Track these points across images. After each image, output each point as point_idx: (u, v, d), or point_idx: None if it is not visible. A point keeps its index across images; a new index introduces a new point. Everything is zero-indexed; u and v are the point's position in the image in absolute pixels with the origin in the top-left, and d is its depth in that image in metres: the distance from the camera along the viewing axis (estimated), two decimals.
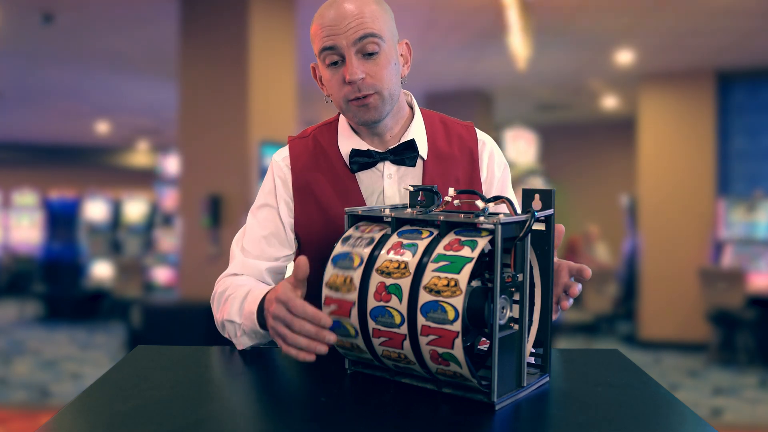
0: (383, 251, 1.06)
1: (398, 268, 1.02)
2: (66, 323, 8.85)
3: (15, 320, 9.21)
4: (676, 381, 6.10)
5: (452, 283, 0.96)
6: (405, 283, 1.00)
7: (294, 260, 1.44)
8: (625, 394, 1.07)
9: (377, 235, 1.10)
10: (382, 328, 1.03)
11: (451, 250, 1.00)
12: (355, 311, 1.06)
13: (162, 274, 8.43)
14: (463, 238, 1.01)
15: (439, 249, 1.02)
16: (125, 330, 7.09)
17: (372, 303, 1.04)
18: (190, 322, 4.97)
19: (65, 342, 7.73)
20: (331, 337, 1.05)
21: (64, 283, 9.31)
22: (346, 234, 1.13)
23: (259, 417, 1.02)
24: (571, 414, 1.00)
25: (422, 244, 1.03)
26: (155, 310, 5.49)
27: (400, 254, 1.03)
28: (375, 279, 1.04)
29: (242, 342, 1.29)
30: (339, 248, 1.11)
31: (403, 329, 1.01)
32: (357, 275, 1.06)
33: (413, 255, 1.02)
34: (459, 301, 0.95)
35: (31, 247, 11.26)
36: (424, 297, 0.98)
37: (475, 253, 0.97)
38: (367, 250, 1.07)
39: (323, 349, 1.05)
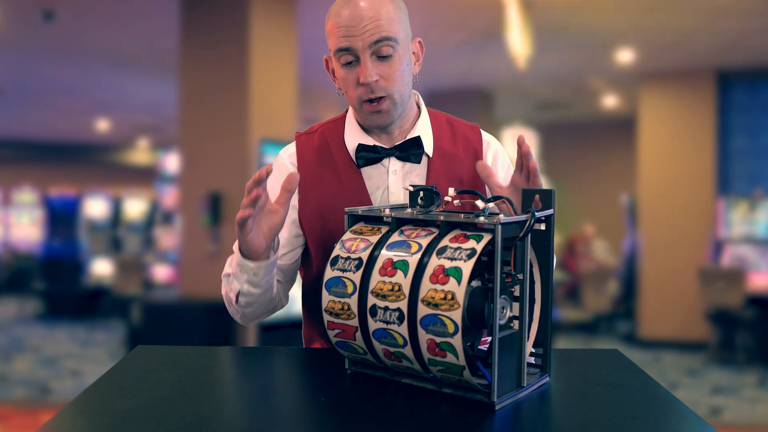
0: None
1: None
2: (66, 320, 8.85)
3: (15, 317, 9.22)
4: (675, 380, 6.11)
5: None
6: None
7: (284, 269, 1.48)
8: (625, 394, 1.07)
9: (364, 255, 1.08)
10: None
11: (457, 242, 1.00)
12: (359, 334, 1.07)
13: (162, 272, 8.42)
14: (468, 233, 1.02)
15: (445, 241, 1.02)
16: (125, 327, 7.09)
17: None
18: (189, 320, 4.96)
19: (65, 339, 7.74)
20: (257, 175, 1.14)
21: (64, 280, 9.31)
22: (333, 255, 1.12)
23: (259, 417, 1.02)
24: (571, 414, 1.00)
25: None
26: (155, 308, 5.49)
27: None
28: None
29: (234, 288, 1.31)
30: (329, 272, 1.11)
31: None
32: (353, 302, 1.06)
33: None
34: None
35: (31, 245, 11.27)
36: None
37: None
38: (357, 275, 1.07)
39: (250, 198, 1.15)
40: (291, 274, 1.50)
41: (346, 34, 1.27)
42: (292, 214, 1.43)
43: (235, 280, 1.30)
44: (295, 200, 1.43)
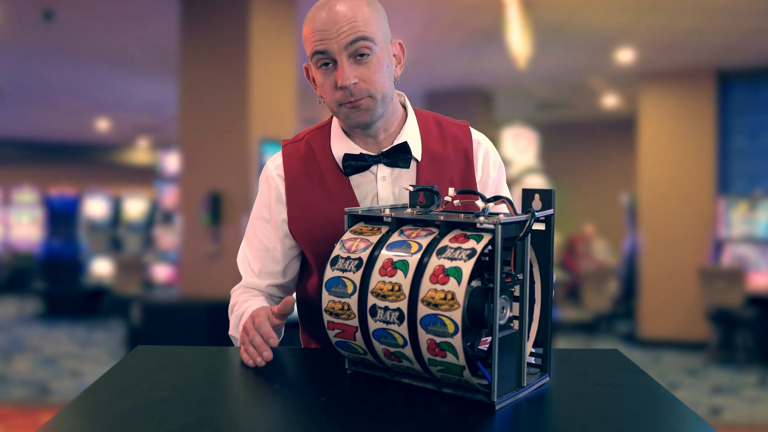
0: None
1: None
2: (66, 320, 8.85)
3: (15, 317, 9.22)
4: (675, 380, 6.11)
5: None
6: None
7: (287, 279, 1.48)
8: (625, 394, 1.07)
9: (364, 255, 1.08)
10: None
11: (457, 242, 1.00)
12: (359, 334, 1.07)
13: (162, 272, 8.43)
14: (468, 233, 1.02)
15: (445, 241, 1.02)
16: (125, 327, 7.09)
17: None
18: (189, 320, 4.96)
19: (65, 339, 7.74)
20: (268, 355, 1.19)
21: (64, 280, 9.31)
22: (333, 255, 1.12)
23: (259, 417, 1.02)
24: (571, 414, 1.00)
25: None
26: (155, 308, 5.49)
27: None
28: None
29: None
30: (329, 272, 1.11)
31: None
32: (353, 302, 1.06)
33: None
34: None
35: (31, 244, 11.26)
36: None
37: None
38: (357, 275, 1.07)
39: (261, 361, 1.19)
40: (293, 287, 1.51)
41: (322, 38, 1.25)
42: (283, 228, 1.42)
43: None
44: (284, 213, 1.41)
